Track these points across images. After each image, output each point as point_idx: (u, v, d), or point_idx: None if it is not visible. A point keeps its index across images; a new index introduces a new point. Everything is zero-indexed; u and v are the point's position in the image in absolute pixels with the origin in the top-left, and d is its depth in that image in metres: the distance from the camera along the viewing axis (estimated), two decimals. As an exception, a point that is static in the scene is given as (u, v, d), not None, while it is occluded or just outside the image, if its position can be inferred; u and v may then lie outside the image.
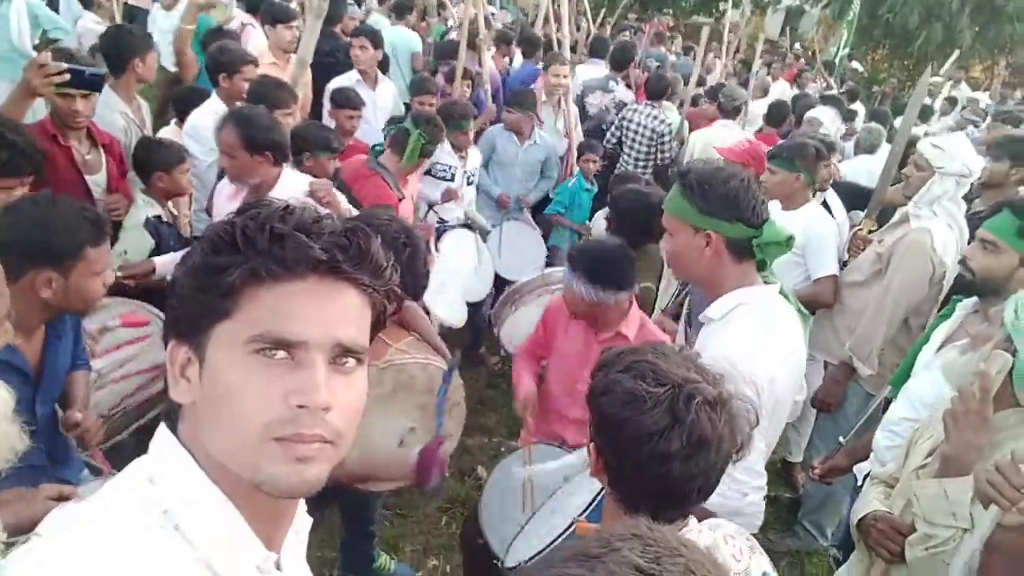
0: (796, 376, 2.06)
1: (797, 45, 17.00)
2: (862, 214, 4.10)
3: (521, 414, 2.77)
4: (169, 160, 3.35)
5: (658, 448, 1.24)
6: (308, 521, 1.01)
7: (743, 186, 1.89)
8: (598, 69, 7.20)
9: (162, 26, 6.05)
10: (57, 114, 3.05)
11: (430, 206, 4.66)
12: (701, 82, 8.25)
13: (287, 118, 3.74)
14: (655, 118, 5.99)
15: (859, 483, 2.61)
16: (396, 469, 2.18)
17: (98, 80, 2.97)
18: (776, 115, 6.67)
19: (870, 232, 3.79)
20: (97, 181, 3.29)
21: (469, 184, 4.84)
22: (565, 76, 5.63)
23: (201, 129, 3.89)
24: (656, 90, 6.20)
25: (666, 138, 6.01)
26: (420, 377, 2.38)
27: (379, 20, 7.79)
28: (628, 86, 7.08)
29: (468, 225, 4.79)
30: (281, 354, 0.81)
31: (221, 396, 0.82)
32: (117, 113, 3.67)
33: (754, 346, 1.85)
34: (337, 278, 0.84)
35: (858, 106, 9.41)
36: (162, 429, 0.88)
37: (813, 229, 3.63)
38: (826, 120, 5.73)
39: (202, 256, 0.83)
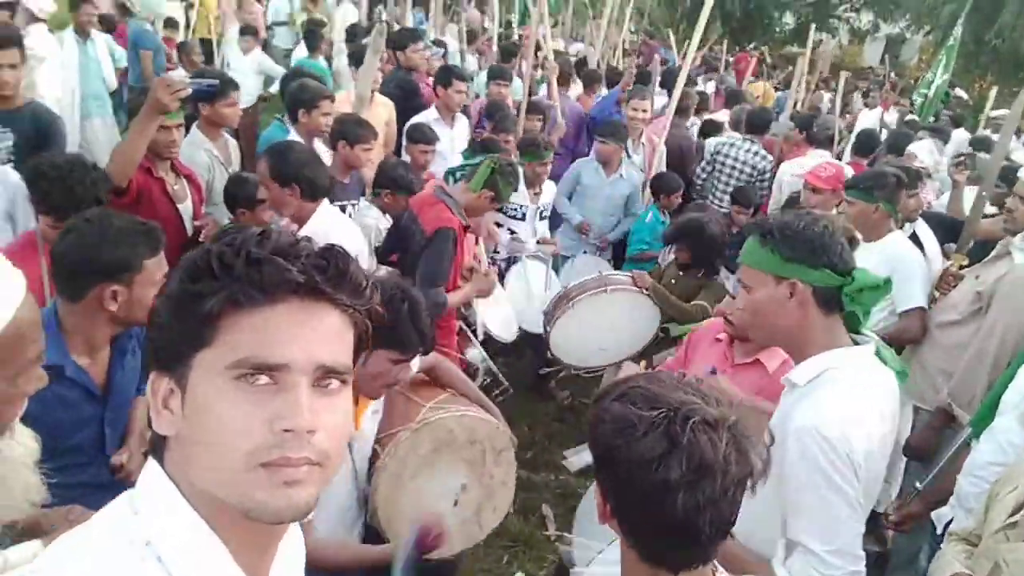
0: (891, 444, 1.87)
1: (893, 74, 16.33)
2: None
3: None
4: (251, 196, 3.51)
5: (657, 477, 1.14)
6: (300, 551, 0.99)
7: (826, 231, 1.76)
8: (664, 100, 7.12)
9: (237, 67, 6.41)
10: (152, 146, 3.21)
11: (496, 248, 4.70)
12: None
13: (367, 153, 3.88)
14: (755, 153, 5.81)
15: (939, 531, 2.39)
16: (461, 532, 2.19)
17: (213, 91, 3.22)
18: (865, 144, 6.38)
19: (961, 267, 3.53)
20: (185, 209, 3.49)
21: (541, 219, 4.83)
22: (645, 110, 5.58)
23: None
24: (758, 124, 6.05)
25: (766, 175, 5.81)
26: (458, 431, 2.33)
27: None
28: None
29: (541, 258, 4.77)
30: (263, 379, 0.81)
31: (204, 425, 0.81)
32: (202, 150, 3.88)
33: (849, 418, 1.67)
34: (316, 300, 0.84)
35: (962, 134, 8.93)
36: (149, 462, 0.88)
37: (897, 259, 3.41)
38: (922, 152, 5.44)
39: (180, 285, 0.83)
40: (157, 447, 0.88)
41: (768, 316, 1.81)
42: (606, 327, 3.92)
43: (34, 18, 6.11)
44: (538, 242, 4.80)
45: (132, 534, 0.83)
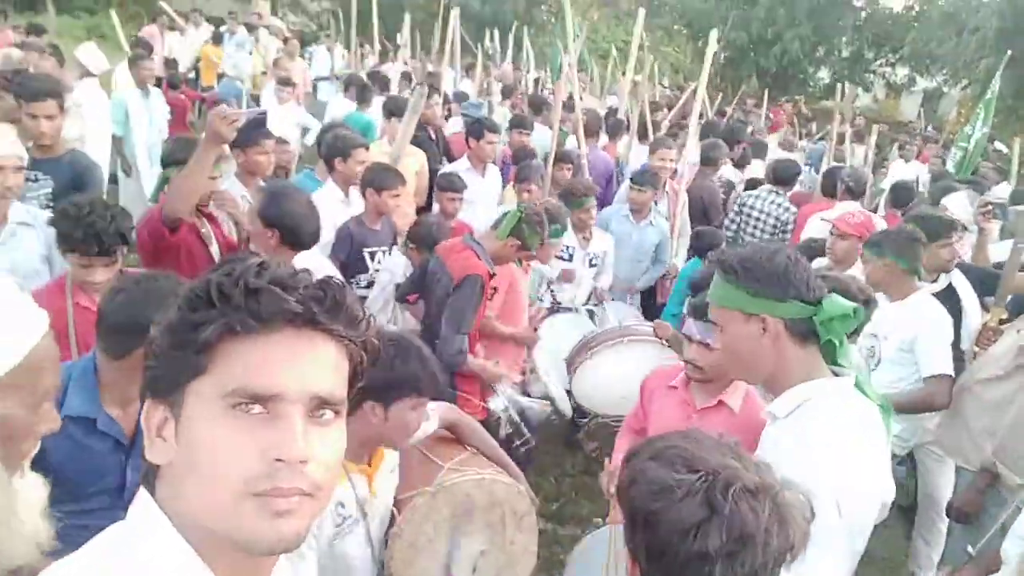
0: (881, 480, 1.76)
1: (931, 127, 16.22)
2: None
3: (604, 488, 2.60)
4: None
5: (695, 546, 1.08)
6: None
7: (790, 261, 1.71)
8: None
9: (272, 118, 6.66)
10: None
11: (548, 284, 4.68)
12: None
13: (395, 199, 3.97)
14: (779, 205, 5.79)
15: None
16: None
17: (263, 119, 3.38)
18: (901, 196, 6.29)
19: (1001, 322, 3.41)
20: (215, 251, 3.57)
21: (592, 266, 4.81)
22: (671, 160, 5.60)
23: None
24: (784, 176, 6.03)
25: (788, 226, 5.76)
26: (477, 495, 2.28)
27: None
28: (735, 165, 6.97)
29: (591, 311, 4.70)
30: (257, 408, 0.80)
31: (197, 453, 0.80)
32: (238, 197, 3.97)
33: (829, 453, 1.60)
34: (313, 330, 0.84)
35: (1004, 188, 8.76)
36: (140, 491, 0.87)
37: (921, 320, 3.29)
38: (954, 206, 5.33)
39: (178, 313, 0.83)
40: (148, 477, 0.87)
41: (743, 354, 1.76)
42: (628, 376, 3.85)
43: (88, 73, 6.44)
44: (588, 302, 4.75)
45: (122, 565, 0.82)
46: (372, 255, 4.10)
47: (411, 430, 2.08)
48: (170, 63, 10.40)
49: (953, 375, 3.28)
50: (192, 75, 11.83)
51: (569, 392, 4.03)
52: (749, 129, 10.10)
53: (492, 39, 12.15)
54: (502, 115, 8.16)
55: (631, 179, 5.27)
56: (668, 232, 5.28)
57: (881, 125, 8.86)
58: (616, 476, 2.49)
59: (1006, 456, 2.94)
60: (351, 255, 4.02)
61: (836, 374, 1.76)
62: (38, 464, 1.77)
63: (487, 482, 2.30)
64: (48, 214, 3.02)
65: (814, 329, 1.71)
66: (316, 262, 3.17)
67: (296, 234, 2.90)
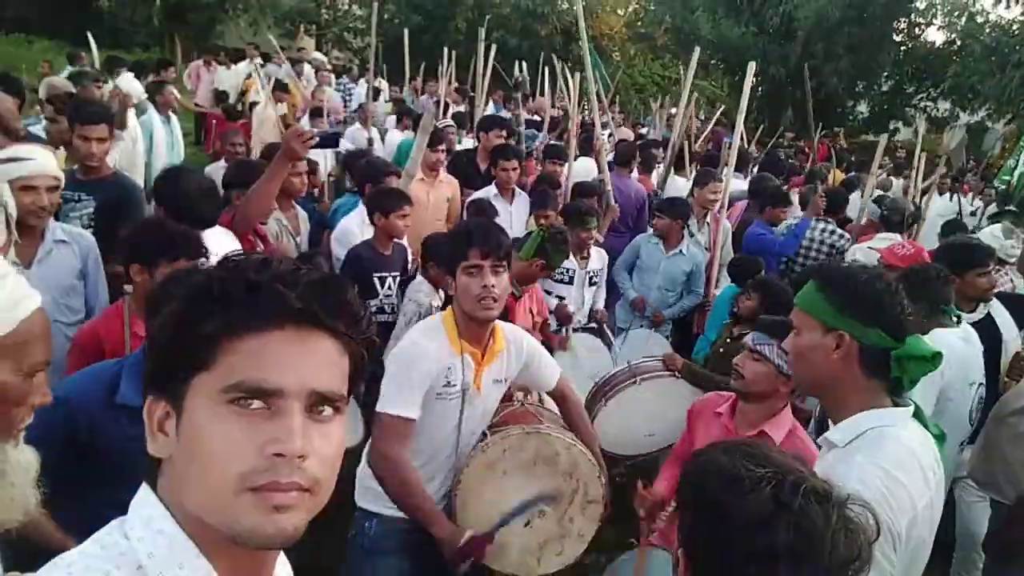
0: (936, 514, 1.75)
1: (972, 161, 15.92)
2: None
3: (638, 510, 2.55)
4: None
5: (760, 541, 1.05)
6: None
7: (888, 290, 1.68)
8: (739, 183, 7.11)
9: None
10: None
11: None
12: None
13: (404, 220, 4.04)
14: (832, 233, 5.74)
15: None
16: (517, 559, 2.29)
17: (337, 137, 3.55)
18: (945, 230, 6.20)
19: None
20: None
21: (592, 285, 4.82)
22: (719, 193, 5.60)
23: (348, 234, 4.26)
24: (831, 205, 5.99)
25: (845, 256, 5.71)
26: (564, 456, 2.37)
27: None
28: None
29: (596, 329, 4.70)
30: (257, 404, 0.81)
31: (197, 448, 0.81)
32: (272, 219, 4.08)
33: (891, 486, 1.57)
34: (313, 327, 0.85)
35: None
36: (143, 486, 0.89)
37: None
38: (988, 238, 5.25)
39: (179, 308, 0.84)
40: (151, 472, 0.88)
41: (809, 363, 1.76)
42: (648, 414, 3.80)
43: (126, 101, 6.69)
44: (591, 316, 4.75)
45: (123, 559, 0.82)
46: (382, 280, 4.11)
47: (471, 293, 2.21)
48: (220, 95, 10.76)
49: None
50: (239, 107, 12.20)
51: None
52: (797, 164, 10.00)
53: (521, 70, 12.31)
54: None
55: (655, 207, 5.27)
56: (701, 262, 5.24)
57: (930, 153, 8.68)
58: (650, 503, 2.51)
59: (1046, 489, 2.84)
60: (360, 279, 3.98)
61: (895, 404, 1.73)
62: (87, 448, 1.88)
63: (576, 451, 2.39)
64: (86, 232, 3.16)
65: (887, 363, 1.68)
66: (216, 243, 3.21)
67: (181, 213, 2.97)
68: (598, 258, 4.86)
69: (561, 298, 4.63)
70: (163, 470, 0.87)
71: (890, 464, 1.60)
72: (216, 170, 6.42)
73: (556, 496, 2.37)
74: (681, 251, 5.11)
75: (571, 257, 4.63)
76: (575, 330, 4.53)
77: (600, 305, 4.90)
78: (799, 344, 1.78)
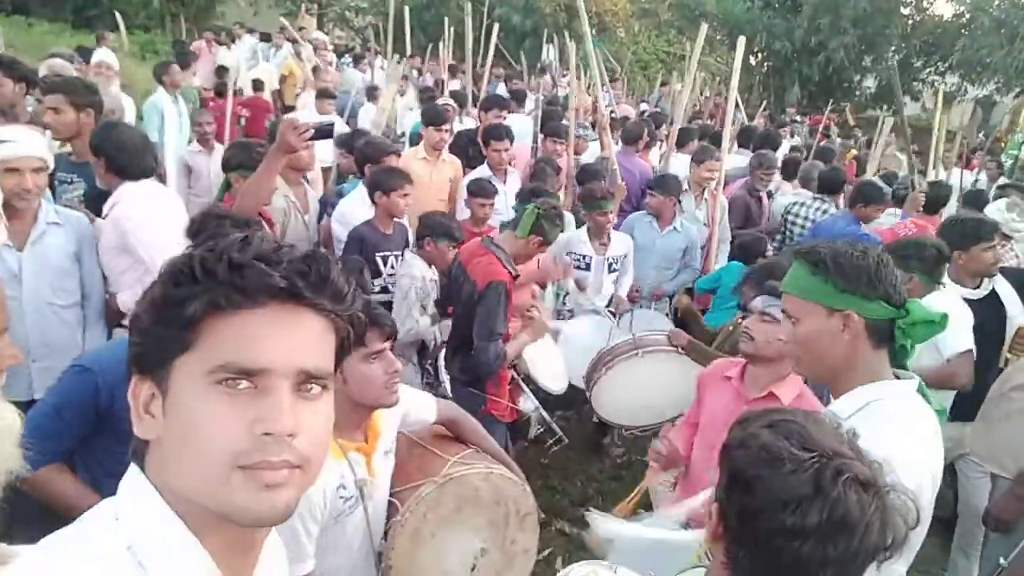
0: (937, 484, 1.75)
1: (982, 135, 15.78)
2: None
3: (650, 457, 2.60)
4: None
5: (790, 520, 1.07)
6: (282, 555, 0.98)
7: (881, 262, 1.68)
8: (742, 159, 7.06)
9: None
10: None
11: (565, 295, 4.69)
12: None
13: (405, 199, 4.03)
14: (824, 212, 5.70)
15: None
16: None
17: (331, 129, 3.48)
18: (932, 201, 6.11)
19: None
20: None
21: (612, 272, 4.80)
22: (717, 171, 5.57)
23: (349, 216, 4.26)
24: (830, 184, 5.94)
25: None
26: (484, 489, 2.25)
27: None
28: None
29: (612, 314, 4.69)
30: (244, 383, 0.81)
31: (185, 429, 0.81)
32: (282, 196, 4.04)
33: (896, 452, 1.54)
34: (298, 304, 0.84)
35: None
36: (131, 467, 0.89)
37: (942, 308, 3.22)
38: (993, 213, 5.19)
39: (162, 289, 0.84)
40: (138, 452, 0.88)
41: (818, 349, 1.73)
42: (648, 386, 3.82)
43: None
44: (608, 306, 4.73)
45: (113, 539, 0.83)
46: (385, 259, 4.11)
47: (376, 382, 2.03)
48: (220, 71, 10.69)
49: (974, 349, 3.27)
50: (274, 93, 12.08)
51: (589, 404, 4.02)
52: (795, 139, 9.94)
53: (547, 54, 12.25)
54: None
55: (648, 185, 5.25)
56: (696, 237, 5.22)
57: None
58: (660, 455, 2.52)
59: (1047, 463, 2.83)
60: (363, 258, 4.00)
61: (898, 377, 1.73)
62: (107, 410, 1.99)
63: (495, 477, 2.27)
64: (79, 213, 3.15)
65: (891, 331, 1.69)
66: (150, 193, 3.26)
67: (114, 163, 3.11)
68: (620, 244, 4.81)
69: (578, 282, 4.62)
70: (151, 451, 0.87)
71: (895, 431, 1.60)
72: (192, 154, 6.44)
73: (491, 536, 2.29)
74: (675, 228, 5.08)
75: (587, 243, 4.63)
76: (590, 312, 4.53)
77: (623, 292, 4.80)
78: (803, 332, 1.74)
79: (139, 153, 3.17)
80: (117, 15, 9.47)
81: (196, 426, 0.80)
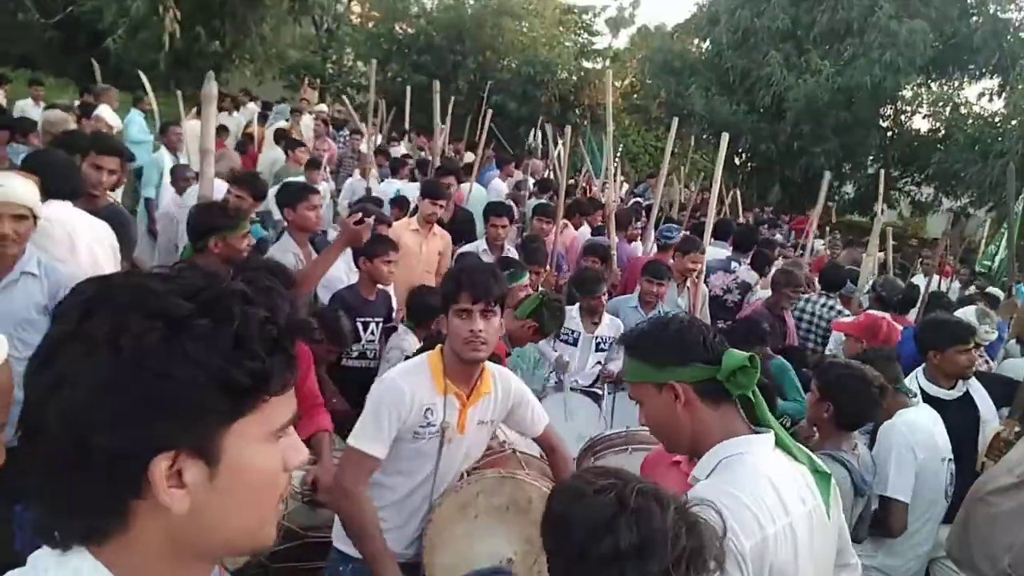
0: (814, 541, 1.68)
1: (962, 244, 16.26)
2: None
3: None
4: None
5: (606, 545, 1.16)
6: None
7: (683, 325, 1.77)
8: (720, 251, 7.26)
9: None
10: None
11: (552, 367, 4.69)
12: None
13: (388, 266, 4.09)
14: (831, 308, 5.84)
15: None
16: None
17: (381, 202, 3.71)
18: (905, 302, 6.23)
19: (1017, 434, 3.33)
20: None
21: (599, 351, 4.85)
22: (701, 263, 5.72)
23: (332, 279, 4.27)
24: (833, 281, 6.08)
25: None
26: (536, 504, 2.31)
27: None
28: (754, 268, 7.04)
29: (593, 393, 4.69)
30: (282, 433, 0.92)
31: (251, 484, 0.87)
32: (290, 254, 4.06)
33: (732, 505, 1.52)
34: None
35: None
36: (80, 552, 0.82)
37: (886, 438, 3.25)
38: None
39: (207, 363, 0.80)
40: (93, 533, 0.82)
41: (665, 424, 1.78)
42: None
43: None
44: (592, 386, 4.74)
45: None
46: (365, 325, 4.11)
47: (459, 336, 2.26)
48: (220, 130, 10.89)
49: (907, 502, 3.21)
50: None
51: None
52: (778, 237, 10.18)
53: (534, 137, 12.65)
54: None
55: (648, 272, 5.34)
56: None
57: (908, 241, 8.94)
58: None
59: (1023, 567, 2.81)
60: None
61: (757, 431, 1.75)
62: None
63: None
64: (63, 269, 3.04)
65: (724, 388, 1.72)
66: (68, 215, 3.37)
67: (51, 184, 3.17)
68: (610, 325, 4.90)
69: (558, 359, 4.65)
70: (143, 529, 0.82)
71: (735, 487, 1.60)
72: (175, 206, 6.48)
73: (523, 551, 2.33)
74: (659, 312, 5.16)
75: (577, 319, 4.71)
76: (572, 390, 4.53)
77: (612, 368, 4.79)
78: (648, 413, 1.80)
79: (67, 175, 3.35)
80: (143, 77, 9.53)
81: (259, 476, 0.87)
